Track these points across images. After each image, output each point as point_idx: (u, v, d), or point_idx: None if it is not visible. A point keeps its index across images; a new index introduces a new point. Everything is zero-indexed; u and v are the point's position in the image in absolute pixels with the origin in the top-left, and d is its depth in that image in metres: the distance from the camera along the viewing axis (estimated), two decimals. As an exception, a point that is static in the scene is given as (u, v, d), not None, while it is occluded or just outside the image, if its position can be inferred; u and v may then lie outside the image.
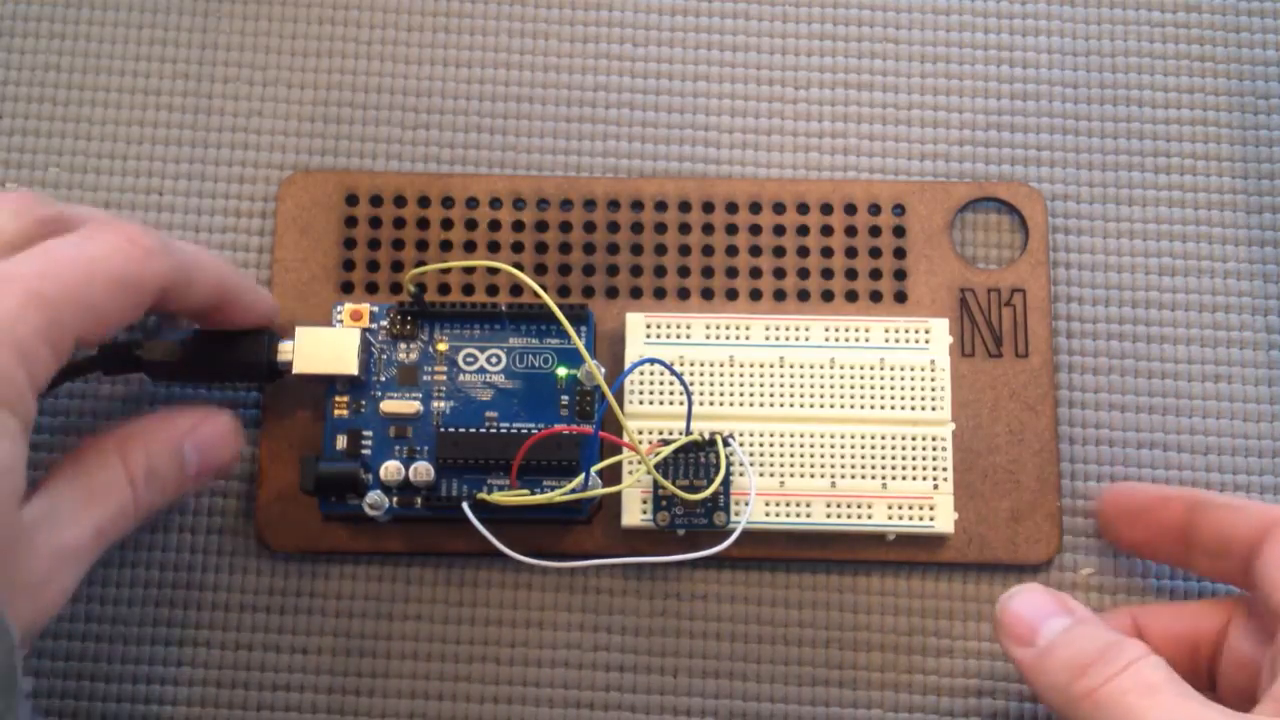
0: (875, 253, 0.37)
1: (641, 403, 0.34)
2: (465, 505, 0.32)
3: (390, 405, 0.34)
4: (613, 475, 0.34)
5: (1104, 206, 0.37)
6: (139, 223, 0.31)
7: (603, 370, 0.34)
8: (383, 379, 0.35)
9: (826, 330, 0.35)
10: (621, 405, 0.34)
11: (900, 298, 0.36)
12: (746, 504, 0.34)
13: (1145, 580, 0.35)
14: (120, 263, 0.29)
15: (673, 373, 0.34)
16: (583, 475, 0.33)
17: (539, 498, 0.33)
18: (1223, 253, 0.37)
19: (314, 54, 0.38)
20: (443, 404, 0.34)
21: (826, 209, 0.37)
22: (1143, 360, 0.37)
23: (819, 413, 0.35)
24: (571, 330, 0.33)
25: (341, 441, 0.34)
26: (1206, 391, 0.36)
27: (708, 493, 0.33)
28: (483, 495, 0.33)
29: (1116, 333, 0.37)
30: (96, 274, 0.28)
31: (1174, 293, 0.37)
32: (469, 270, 0.37)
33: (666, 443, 0.34)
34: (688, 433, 0.34)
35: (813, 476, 0.34)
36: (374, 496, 0.33)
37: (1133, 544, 0.34)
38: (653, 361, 0.34)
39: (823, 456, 0.34)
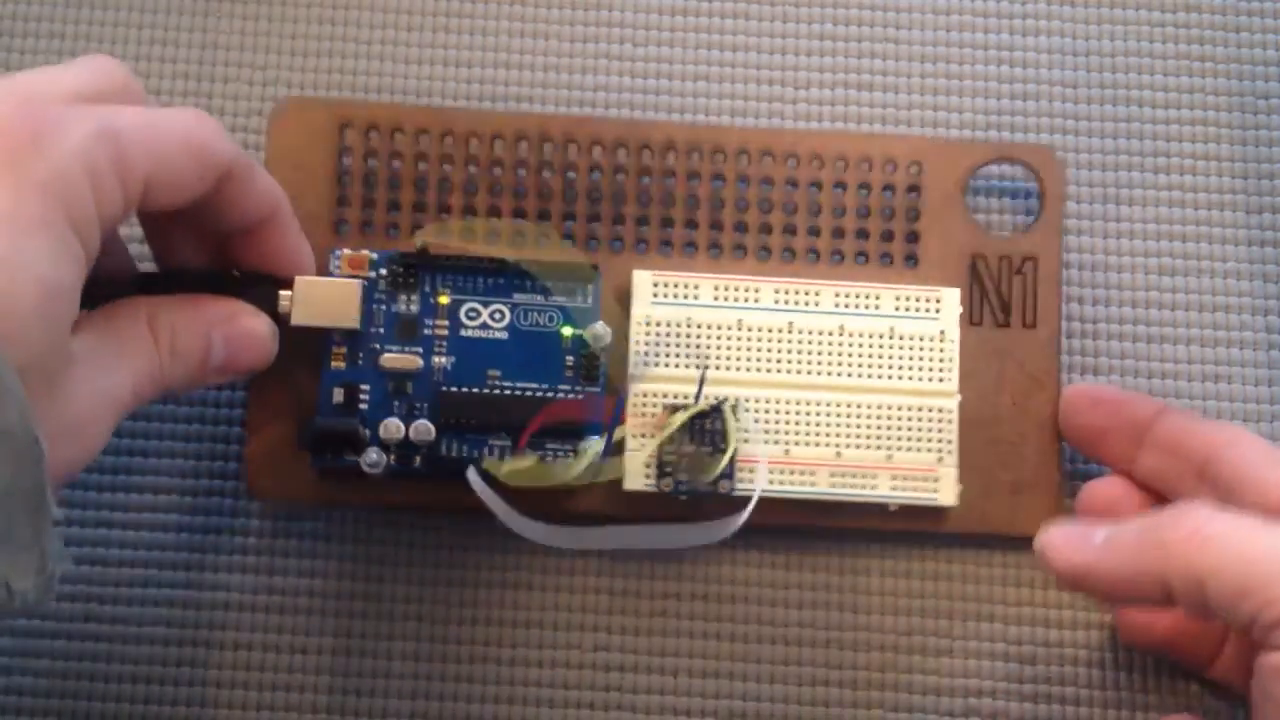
0: (888, 213, 0.36)
1: (648, 364, 0.34)
2: (472, 474, 0.31)
3: (391, 360, 0.33)
4: (616, 444, 0.33)
5: (1103, 206, 0.37)
6: None
7: (610, 334, 0.33)
8: (381, 330, 0.33)
9: (837, 296, 0.34)
10: (626, 370, 0.34)
11: (911, 260, 0.36)
12: (752, 471, 0.33)
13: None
14: (193, 126, 0.28)
15: (692, 355, 0.33)
16: (592, 451, 0.32)
17: (547, 479, 0.32)
18: (1223, 253, 0.37)
19: (314, 54, 0.38)
20: (444, 359, 0.33)
21: (840, 165, 0.36)
22: (1143, 360, 0.36)
23: (827, 380, 0.34)
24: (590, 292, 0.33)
25: (338, 395, 0.33)
26: (1206, 391, 0.36)
27: (716, 471, 0.33)
28: (489, 466, 0.32)
29: (1116, 333, 0.37)
30: (166, 131, 0.28)
31: (1174, 293, 0.37)
32: (470, 212, 0.35)
33: (673, 409, 0.33)
34: (697, 403, 0.33)
35: (818, 445, 0.34)
36: (372, 455, 0.32)
37: (1087, 431, 0.34)
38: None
39: (829, 425, 0.34)
